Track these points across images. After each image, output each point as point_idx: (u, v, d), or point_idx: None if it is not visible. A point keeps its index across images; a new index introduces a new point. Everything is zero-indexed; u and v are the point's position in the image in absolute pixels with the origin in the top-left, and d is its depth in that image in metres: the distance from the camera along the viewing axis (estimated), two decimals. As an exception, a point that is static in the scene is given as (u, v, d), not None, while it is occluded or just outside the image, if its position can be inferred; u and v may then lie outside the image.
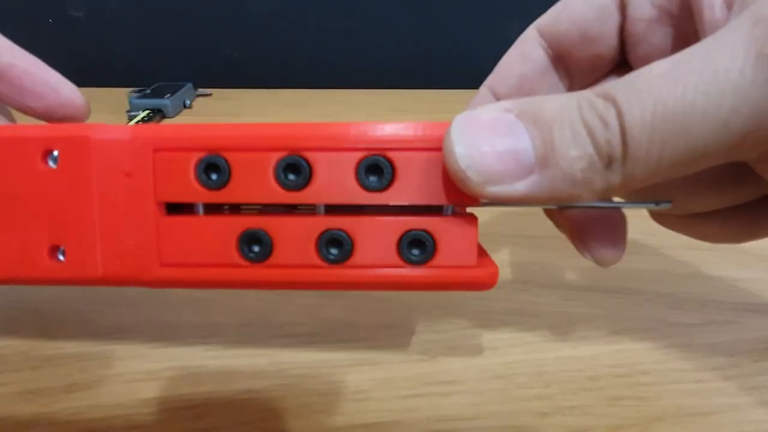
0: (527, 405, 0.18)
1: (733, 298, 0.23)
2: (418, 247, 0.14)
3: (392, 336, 0.21)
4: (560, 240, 0.26)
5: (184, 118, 0.43)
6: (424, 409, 0.18)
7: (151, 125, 0.16)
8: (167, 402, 0.18)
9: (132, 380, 0.19)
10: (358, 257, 0.14)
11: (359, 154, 0.13)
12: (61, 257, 0.14)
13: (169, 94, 0.43)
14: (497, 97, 0.18)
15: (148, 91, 0.43)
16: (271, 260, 0.14)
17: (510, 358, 0.20)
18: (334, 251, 0.14)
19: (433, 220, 0.14)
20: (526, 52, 0.17)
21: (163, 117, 0.42)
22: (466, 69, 0.47)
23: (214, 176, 0.13)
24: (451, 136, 0.12)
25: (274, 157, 0.13)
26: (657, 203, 0.17)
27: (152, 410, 0.18)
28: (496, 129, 0.12)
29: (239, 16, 0.46)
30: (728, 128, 0.10)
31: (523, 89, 0.17)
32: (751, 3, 0.10)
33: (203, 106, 0.44)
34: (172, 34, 0.48)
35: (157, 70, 0.49)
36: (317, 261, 0.14)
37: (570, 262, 0.24)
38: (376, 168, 0.13)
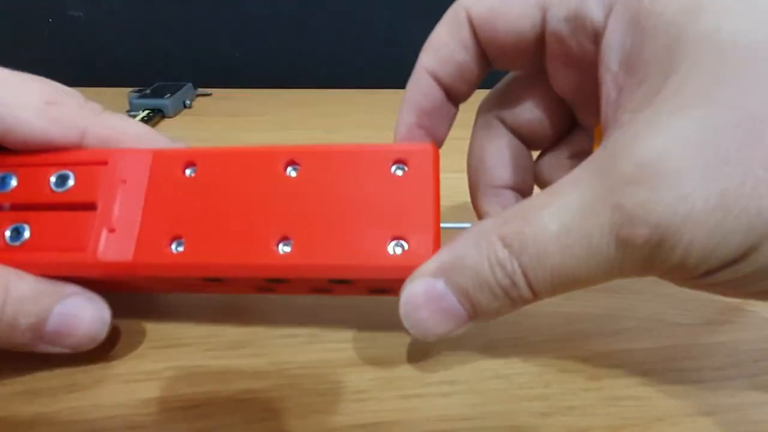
0: (527, 405, 0.18)
1: (733, 298, 0.23)
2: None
3: (392, 336, 0.21)
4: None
5: (184, 118, 0.43)
6: (424, 409, 0.18)
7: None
8: (167, 402, 0.18)
9: (132, 380, 0.19)
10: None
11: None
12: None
13: (169, 94, 0.43)
14: (441, 82, 0.19)
15: (148, 91, 0.43)
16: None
17: (510, 358, 0.20)
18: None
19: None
20: (463, 40, 0.18)
21: (163, 117, 0.42)
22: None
23: None
24: (402, 316, 0.15)
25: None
26: None
27: (152, 410, 0.18)
28: (433, 305, 0.15)
29: (239, 16, 0.46)
30: (605, 279, 0.14)
31: (464, 78, 0.19)
32: (611, 151, 0.13)
33: (203, 106, 0.44)
34: (172, 34, 0.48)
35: (157, 70, 0.49)
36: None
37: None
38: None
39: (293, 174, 0.17)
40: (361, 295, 0.20)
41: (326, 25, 0.46)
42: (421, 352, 0.20)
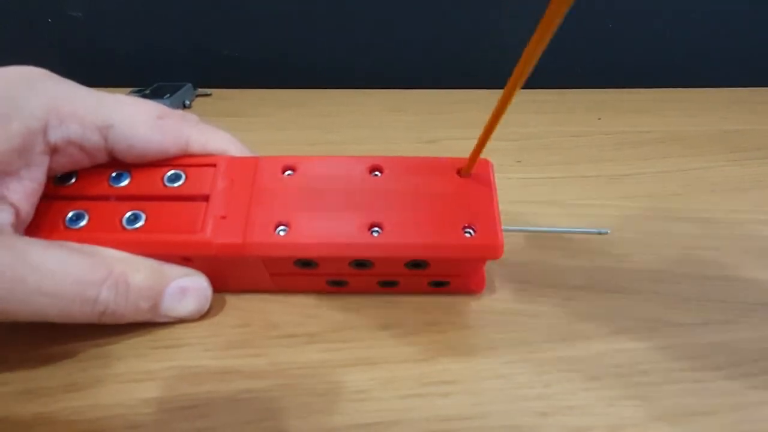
0: (527, 405, 0.18)
1: (733, 298, 0.23)
2: None
3: (392, 336, 0.21)
4: (560, 240, 0.26)
5: (183, 118, 0.43)
6: (424, 409, 0.18)
7: None
8: (167, 402, 0.18)
9: (131, 380, 0.19)
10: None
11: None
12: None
13: (168, 94, 0.42)
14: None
15: (148, 92, 0.43)
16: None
17: (510, 358, 0.20)
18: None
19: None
20: None
21: (163, 117, 0.42)
22: (465, 69, 0.47)
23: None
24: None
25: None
26: (599, 232, 0.24)
27: (152, 410, 0.18)
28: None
29: (239, 16, 0.46)
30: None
31: None
32: None
33: (203, 106, 0.44)
34: (172, 34, 0.48)
35: (156, 70, 0.49)
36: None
37: (570, 262, 0.24)
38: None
39: (377, 175, 0.21)
40: (419, 292, 0.22)
41: (326, 25, 0.46)
42: (421, 352, 0.20)
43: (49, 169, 0.19)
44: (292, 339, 0.21)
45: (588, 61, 0.47)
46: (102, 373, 0.19)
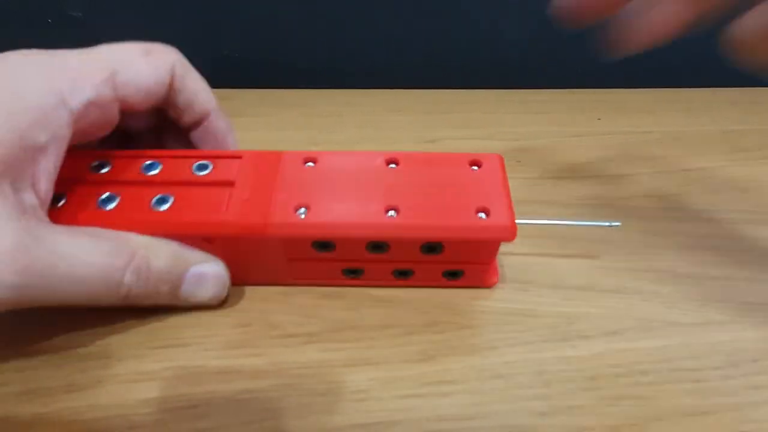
0: (527, 405, 0.18)
1: (733, 298, 0.23)
2: None
3: (392, 336, 0.21)
4: (560, 239, 0.26)
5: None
6: (424, 409, 0.18)
7: None
8: (167, 402, 0.18)
9: (131, 380, 0.19)
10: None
11: None
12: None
13: (168, 94, 0.42)
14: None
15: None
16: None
17: (510, 358, 0.20)
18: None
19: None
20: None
21: (163, 117, 0.42)
22: (465, 69, 0.47)
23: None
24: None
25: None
26: (609, 224, 0.23)
27: (152, 410, 0.18)
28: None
29: (239, 16, 0.46)
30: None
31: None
32: None
33: (203, 106, 0.44)
34: (171, 34, 0.47)
35: (156, 70, 0.49)
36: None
37: (570, 262, 0.24)
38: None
39: (393, 166, 0.22)
40: (433, 285, 0.23)
41: (326, 25, 0.46)
42: (421, 352, 0.20)
43: (70, 143, 0.19)
44: (292, 339, 0.21)
45: (588, 61, 0.47)
46: (102, 373, 0.19)
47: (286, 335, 0.21)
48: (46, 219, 0.18)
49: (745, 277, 0.24)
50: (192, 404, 0.18)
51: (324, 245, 0.21)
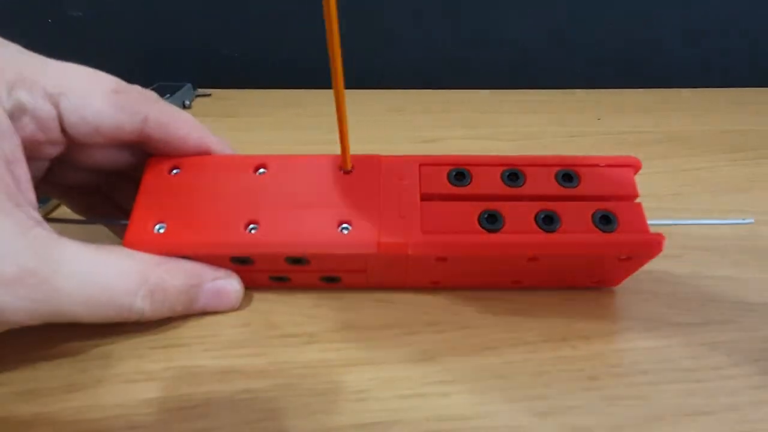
0: (527, 405, 0.18)
1: (733, 298, 0.23)
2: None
3: (392, 336, 0.21)
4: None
5: (183, 118, 0.43)
6: (424, 409, 0.18)
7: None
8: (167, 402, 0.18)
9: (131, 380, 0.19)
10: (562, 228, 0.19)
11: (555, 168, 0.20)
12: (345, 231, 0.19)
13: (168, 95, 0.42)
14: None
15: (148, 91, 0.43)
16: (503, 231, 0.19)
17: (510, 358, 0.20)
18: (545, 224, 0.19)
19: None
20: None
21: (163, 117, 0.42)
22: (465, 69, 0.47)
23: (461, 180, 0.20)
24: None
25: (500, 169, 0.20)
26: (742, 220, 0.23)
27: (152, 410, 0.18)
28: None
29: (239, 16, 0.46)
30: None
31: None
32: None
33: (202, 106, 0.44)
34: (172, 34, 0.48)
35: (156, 70, 0.49)
36: (535, 229, 0.19)
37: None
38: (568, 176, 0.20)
39: (263, 171, 0.21)
40: (318, 286, 0.22)
41: (325, 26, 0.46)
42: (421, 352, 0.20)
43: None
44: (292, 339, 0.21)
45: (588, 61, 0.47)
46: (102, 373, 0.19)
47: (286, 335, 0.21)
48: (54, 233, 0.17)
49: (745, 277, 0.24)
50: (192, 404, 0.18)
51: (241, 260, 0.20)
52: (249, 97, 0.44)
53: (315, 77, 0.48)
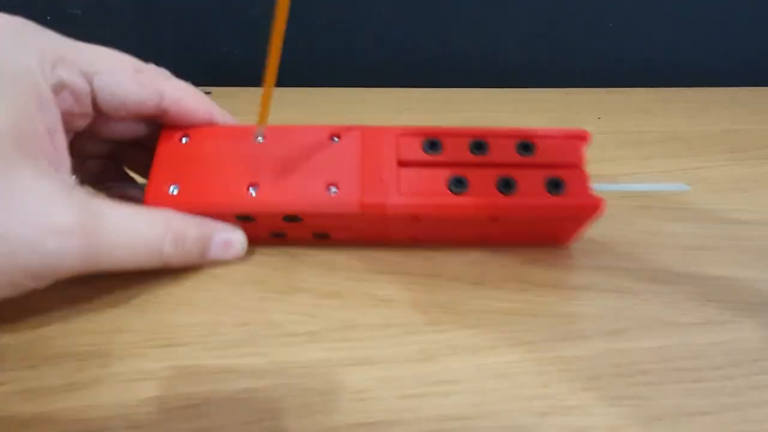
0: (527, 405, 0.18)
1: (732, 298, 0.23)
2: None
3: (392, 336, 0.21)
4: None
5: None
6: (424, 409, 0.18)
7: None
8: (166, 401, 0.18)
9: (131, 380, 0.19)
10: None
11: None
12: (333, 193, 0.21)
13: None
14: None
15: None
16: (467, 194, 0.21)
17: (510, 358, 0.20)
18: (504, 189, 0.21)
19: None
20: None
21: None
22: (465, 68, 0.47)
23: (433, 149, 0.22)
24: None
25: (467, 139, 0.22)
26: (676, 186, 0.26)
27: (151, 410, 0.18)
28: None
29: (239, 16, 0.46)
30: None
31: None
32: None
33: (202, 104, 0.44)
34: (172, 33, 0.47)
35: (156, 68, 0.48)
36: (495, 193, 0.21)
37: (570, 262, 0.24)
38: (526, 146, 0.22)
39: (260, 140, 0.23)
40: (308, 239, 0.24)
41: (326, 24, 0.46)
42: (421, 351, 0.20)
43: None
44: (293, 338, 0.21)
45: (588, 61, 0.47)
46: (102, 373, 0.19)
47: (286, 335, 0.21)
48: (90, 194, 0.19)
49: (745, 277, 0.24)
50: (192, 404, 0.18)
51: (244, 218, 0.22)
52: (248, 96, 0.44)
53: (315, 76, 0.48)
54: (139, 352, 0.20)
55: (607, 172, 0.32)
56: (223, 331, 0.21)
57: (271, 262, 0.24)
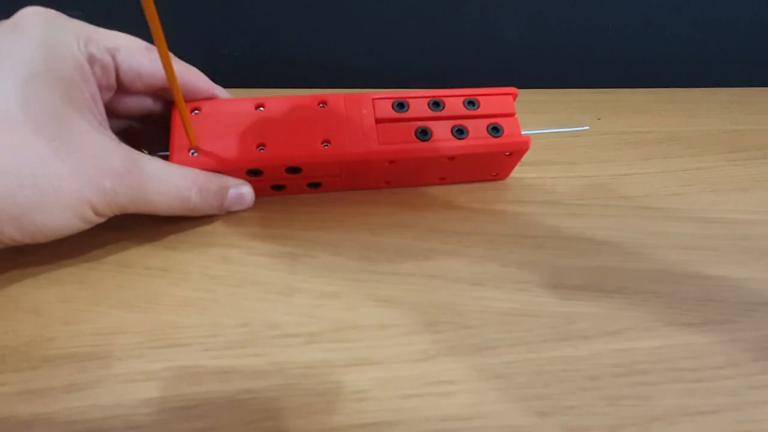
0: (527, 405, 0.18)
1: (732, 298, 0.23)
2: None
3: (392, 336, 0.21)
4: (560, 240, 0.26)
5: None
6: (424, 409, 0.18)
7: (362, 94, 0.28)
8: (166, 402, 0.18)
9: (131, 380, 0.19)
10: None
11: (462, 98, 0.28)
12: (326, 146, 0.26)
13: (168, 94, 0.42)
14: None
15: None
16: (431, 140, 0.27)
17: (510, 358, 0.20)
18: (458, 135, 0.27)
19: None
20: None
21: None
22: (465, 69, 0.47)
23: (401, 108, 0.27)
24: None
25: (427, 99, 0.28)
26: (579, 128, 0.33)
27: (151, 410, 0.18)
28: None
29: (239, 16, 0.46)
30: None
31: None
32: None
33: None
34: (171, 33, 0.48)
35: (156, 69, 0.48)
36: (451, 138, 0.27)
37: (570, 262, 0.24)
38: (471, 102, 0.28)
39: (261, 110, 0.27)
40: (303, 191, 0.28)
41: (326, 25, 0.46)
42: (421, 352, 0.20)
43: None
44: (293, 339, 0.21)
45: (588, 61, 0.47)
46: (102, 373, 0.19)
47: (286, 335, 0.21)
48: (131, 148, 0.22)
49: (745, 277, 0.24)
50: (192, 404, 0.18)
51: (254, 172, 0.26)
52: (249, 95, 0.44)
53: (315, 77, 0.48)
54: (140, 352, 0.20)
55: (607, 172, 0.32)
56: (223, 331, 0.21)
57: (271, 262, 0.24)
